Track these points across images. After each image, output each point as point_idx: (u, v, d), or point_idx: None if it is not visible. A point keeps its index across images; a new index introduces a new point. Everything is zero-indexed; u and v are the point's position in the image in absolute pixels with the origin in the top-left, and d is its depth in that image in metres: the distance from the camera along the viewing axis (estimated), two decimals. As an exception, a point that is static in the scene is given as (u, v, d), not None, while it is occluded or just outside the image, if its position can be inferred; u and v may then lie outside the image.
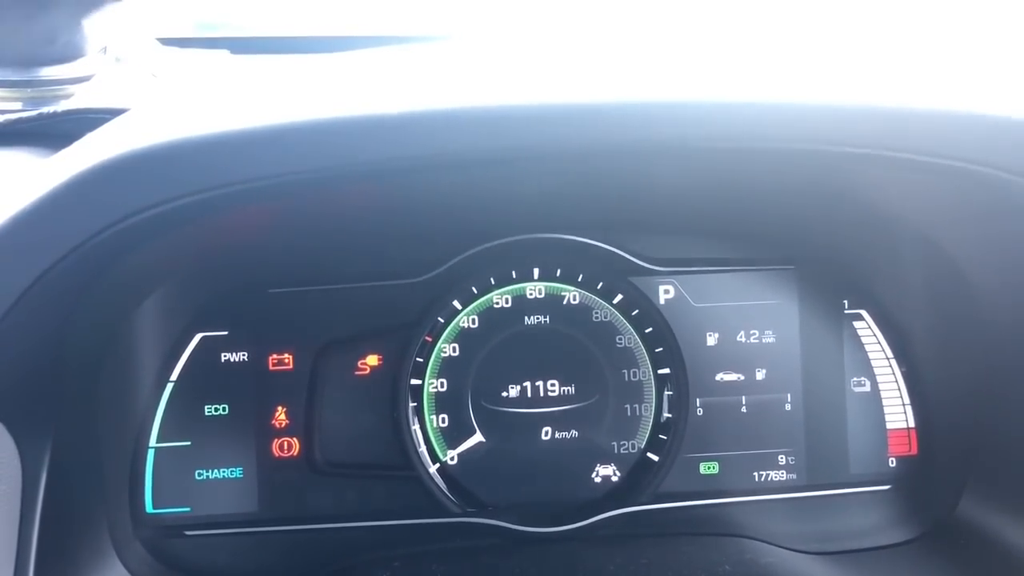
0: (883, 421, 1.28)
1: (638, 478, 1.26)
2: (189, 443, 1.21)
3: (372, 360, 1.25)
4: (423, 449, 1.25)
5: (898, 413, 1.28)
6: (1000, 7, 1.70)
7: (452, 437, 1.25)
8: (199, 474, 1.21)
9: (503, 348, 1.26)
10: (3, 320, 0.79)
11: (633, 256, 1.27)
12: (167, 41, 1.58)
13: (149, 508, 1.19)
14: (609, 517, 1.23)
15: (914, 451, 1.28)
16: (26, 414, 0.90)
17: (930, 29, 1.74)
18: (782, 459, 1.28)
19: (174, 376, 1.20)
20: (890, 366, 1.28)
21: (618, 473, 1.27)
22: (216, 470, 1.22)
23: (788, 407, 1.28)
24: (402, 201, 1.10)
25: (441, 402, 1.26)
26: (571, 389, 1.27)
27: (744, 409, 1.27)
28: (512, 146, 0.82)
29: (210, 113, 0.84)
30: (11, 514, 0.89)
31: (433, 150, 0.80)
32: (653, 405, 1.28)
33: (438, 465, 1.25)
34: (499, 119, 0.82)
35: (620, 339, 1.28)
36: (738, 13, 1.81)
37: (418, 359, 1.25)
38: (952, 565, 1.15)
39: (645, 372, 1.28)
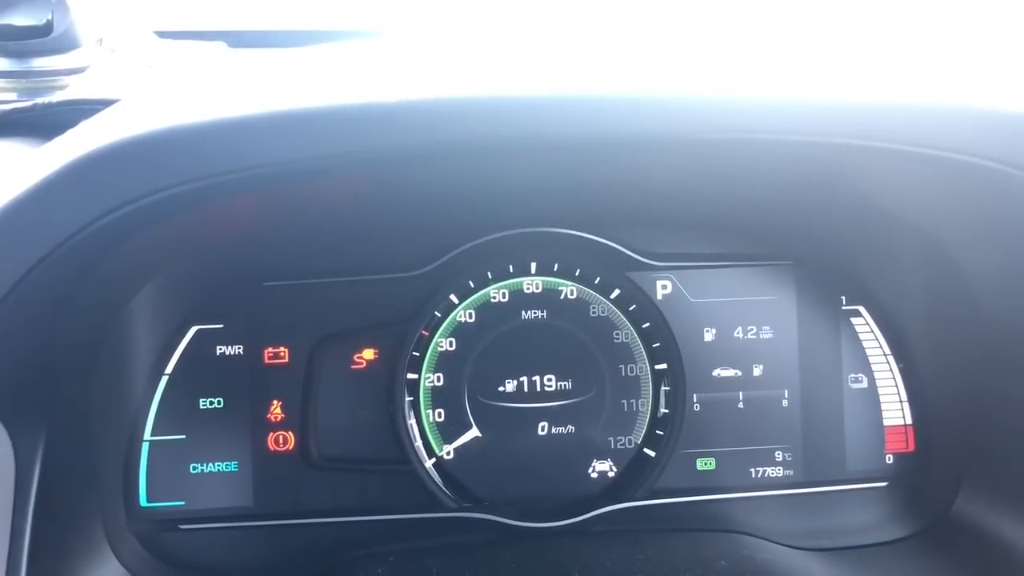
0: (880, 418, 1.28)
1: (635, 474, 1.26)
2: (184, 436, 1.20)
3: (368, 354, 1.24)
4: (419, 444, 1.25)
5: (895, 410, 1.28)
6: (1003, 2, 1.69)
7: (448, 432, 1.25)
8: (194, 468, 1.21)
9: (500, 343, 1.26)
10: (-4, 311, 0.79)
11: (630, 251, 1.26)
12: (163, 33, 1.57)
13: (143, 502, 1.19)
14: (605, 513, 1.23)
15: (911, 448, 1.27)
16: (20, 406, 0.90)
17: (932, 22, 1.74)
18: (779, 455, 1.27)
19: (169, 369, 1.20)
20: (888, 362, 1.28)
21: (614, 468, 1.27)
22: (211, 464, 1.21)
23: (785, 403, 1.28)
24: (399, 194, 1.10)
25: (437, 397, 1.25)
26: (568, 384, 1.26)
27: (741, 405, 1.27)
28: (512, 135, 0.82)
29: (203, 102, 0.83)
30: (4, 507, 0.89)
31: (429, 139, 0.80)
32: (650, 400, 1.27)
33: (434, 460, 1.25)
34: (496, 109, 0.81)
35: (617, 334, 1.27)
36: (737, 5, 1.81)
37: (414, 353, 1.25)
38: (949, 562, 1.15)
39: (642, 367, 1.27)
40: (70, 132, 0.85)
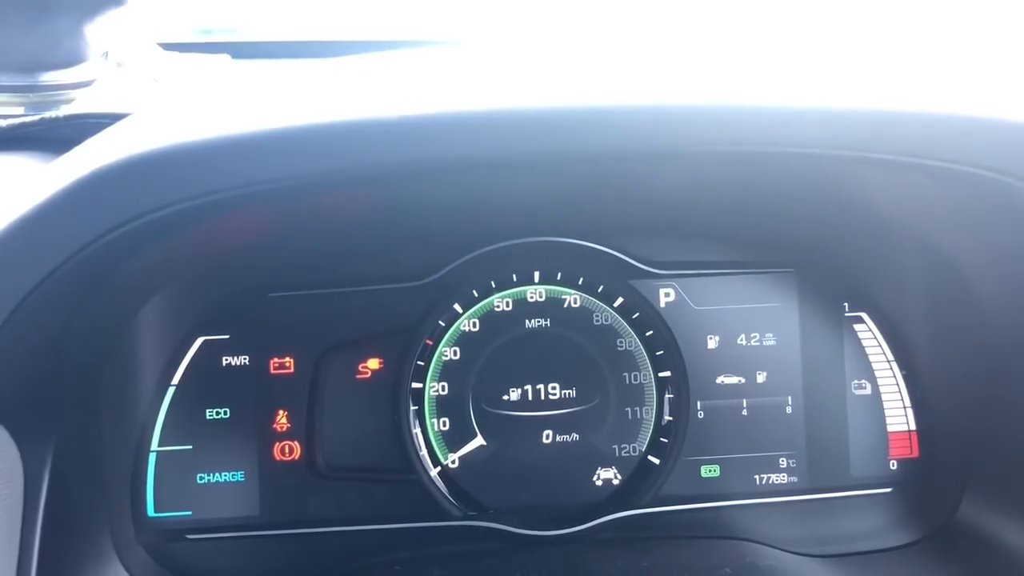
0: (884, 424, 1.28)
1: (639, 481, 1.26)
2: (191, 447, 1.21)
3: (373, 364, 1.25)
4: (424, 453, 1.25)
5: (899, 416, 1.28)
6: (1002, 9, 1.70)
7: (453, 440, 1.26)
8: (200, 478, 1.21)
9: (504, 351, 1.27)
10: (5, 324, 0.79)
11: (633, 259, 1.27)
12: (168, 46, 1.59)
13: (151, 512, 1.20)
14: (610, 520, 1.23)
15: (915, 454, 1.28)
16: (28, 418, 0.90)
17: (931, 31, 1.75)
18: (783, 462, 1.28)
19: (176, 380, 1.21)
20: (891, 369, 1.28)
21: (619, 476, 1.27)
22: (218, 474, 1.22)
23: (789, 410, 1.28)
24: (403, 205, 1.10)
25: (442, 406, 1.26)
26: (572, 392, 1.27)
27: (745, 412, 1.28)
28: (511, 151, 0.82)
29: (210, 118, 0.84)
30: (13, 518, 0.89)
31: (435, 154, 0.80)
32: (654, 408, 1.28)
33: (439, 469, 1.25)
34: (499, 124, 0.82)
35: (621, 342, 1.28)
36: (738, 16, 1.82)
37: (419, 363, 1.25)
38: (953, 568, 1.15)
39: (646, 375, 1.28)
40: (79, 148, 0.86)
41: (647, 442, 1.28)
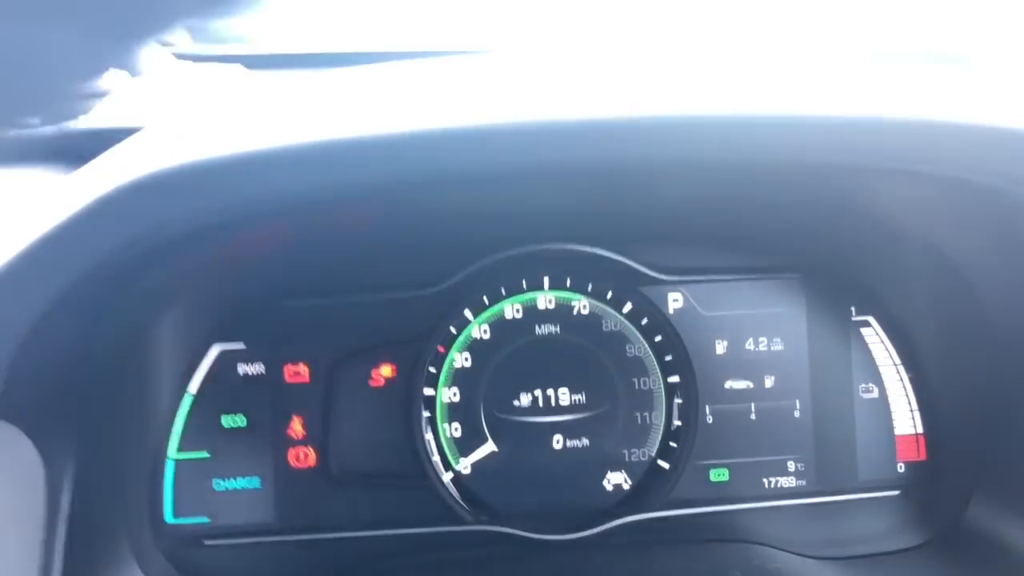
0: (891, 427, 1.29)
1: (649, 485, 1.28)
2: (208, 454, 1.23)
3: (386, 371, 1.26)
4: (436, 458, 1.26)
5: (906, 419, 1.29)
6: (1003, 19, 1.70)
7: (465, 446, 1.27)
8: (217, 484, 1.23)
9: (514, 357, 1.28)
10: (27, 335, 0.81)
11: (642, 266, 1.28)
12: (182, 56, 1.60)
13: (169, 518, 1.21)
14: (620, 524, 1.24)
15: (923, 456, 1.28)
16: (50, 426, 0.92)
17: (934, 40, 1.75)
18: (791, 465, 1.29)
19: (193, 388, 1.22)
20: (898, 372, 1.29)
21: (629, 481, 1.28)
22: (234, 480, 1.23)
23: (797, 414, 1.29)
24: (415, 213, 1.11)
25: (454, 412, 1.27)
26: (582, 398, 1.28)
27: (753, 416, 1.29)
28: (518, 163, 0.83)
29: (226, 132, 0.85)
30: (36, 524, 0.91)
31: (449, 167, 0.82)
32: (663, 413, 1.29)
33: (451, 474, 1.27)
34: (506, 136, 0.83)
35: (630, 348, 1.29)
36: (747, 25, 1.82)
37: (431, 369, 1.27)
38: (961, 570, 1.15)
39: (655, 380, 1.29)
40: (97, 160, 0.87)
41: (656, 447, 1.29)
